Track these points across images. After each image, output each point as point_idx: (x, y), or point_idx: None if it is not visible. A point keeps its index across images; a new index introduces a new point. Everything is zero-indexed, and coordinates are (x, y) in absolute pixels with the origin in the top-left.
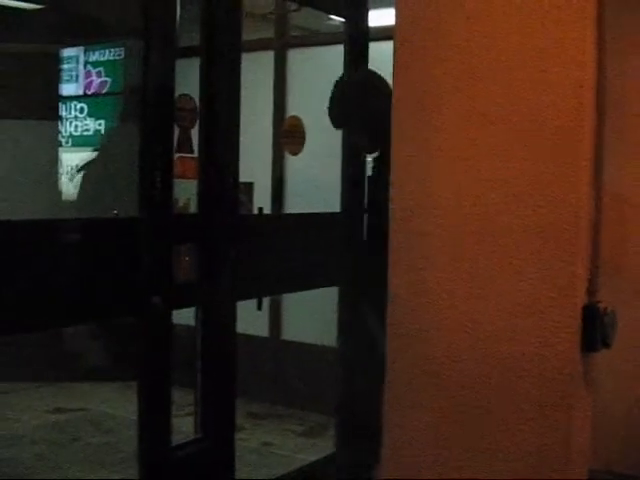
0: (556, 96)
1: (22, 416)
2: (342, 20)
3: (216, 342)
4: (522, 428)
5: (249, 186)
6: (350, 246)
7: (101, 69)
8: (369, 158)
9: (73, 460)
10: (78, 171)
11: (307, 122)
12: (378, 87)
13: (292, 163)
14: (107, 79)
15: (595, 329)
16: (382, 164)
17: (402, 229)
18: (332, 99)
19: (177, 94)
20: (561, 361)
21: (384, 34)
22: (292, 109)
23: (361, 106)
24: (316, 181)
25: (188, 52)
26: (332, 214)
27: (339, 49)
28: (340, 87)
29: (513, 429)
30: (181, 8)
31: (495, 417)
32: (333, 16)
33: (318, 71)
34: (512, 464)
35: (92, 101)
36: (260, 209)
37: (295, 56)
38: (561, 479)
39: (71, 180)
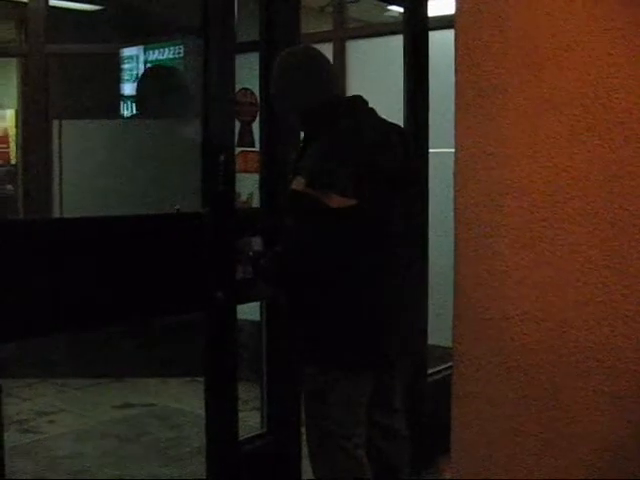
0: (624, 78)
1: (90, 412)
2: (401, 10)
3: (281, 337)
4: (595, 420)
5: None
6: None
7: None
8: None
9: (140, 455)
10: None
11: None
12: (308, 64)
13: None
14: None
15: None
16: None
17: (467, 221)
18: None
19: (237, 88)
20: (634, 351)
21: (444, 23)
22: None
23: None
24: None
25: (248, 47)
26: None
27: (399, 39)
28: (277, 68)
29: (585, 421)
30: (239, 4)
31: (567, 409)
32: (392, 6)
33: (378, 62)
34: (585, 457)
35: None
36: None
37: (354, 47)
38: (635, 473)
39: None
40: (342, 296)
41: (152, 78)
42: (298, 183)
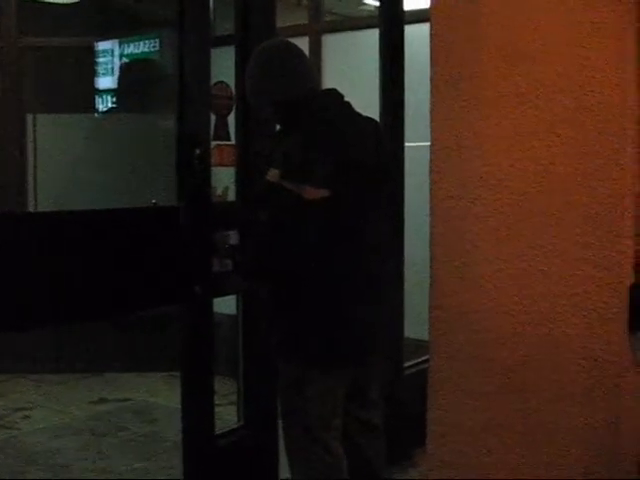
0: (597, 72)
1: (66, 407)
2: (376, 4)
3: (257, 330)
4: (569, 410)
5: None
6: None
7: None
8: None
9: (117, 450)
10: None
11: None
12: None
13: None
14: None
15: None
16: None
17: (443, 214)
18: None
19: (213, 82)
20: (608, 342)
21: (419, 16)
22: None
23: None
24: None
25: (224, 40)
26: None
27: (375, 33)
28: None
29: (560, 411)
30: None
31: (542, 399)
32: (368, 0)
33: (354, 56)
34: (560, 446)
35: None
36: None
37: (330, 41)
38: (610, 461)
39: None
40: (315, 291)
41: (134, 71)
42: (272, 175)
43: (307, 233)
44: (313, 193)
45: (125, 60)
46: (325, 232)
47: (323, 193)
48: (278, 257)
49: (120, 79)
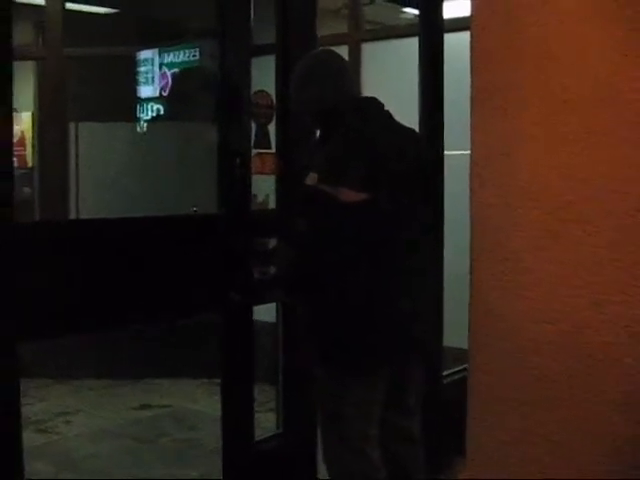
0: (633, 80)
1: (106, 412)
2: (416, 12)
3: (296, 338)
4: (612, 421)
5: None
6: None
7: (176, 70)
8: None
9: (157, 456)
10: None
11: None
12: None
13: None
14: None
15: None
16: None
17: (483, 223)
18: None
19: (253, 90)
20: None
21: (459, 25)
22: None
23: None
24: None
25: (264, 49)
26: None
27: (414, 41)
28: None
29: (603, 422)
30: (255, 6)
31: (583, 410)
32: (407, 9)
33: (393, 64)
34: (601, 458)
35: (167, 102)
36: None
37: (370, 50)
38: None
39: None
40: (351, 296)
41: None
42: (311, 179)
43: (345, 236)
44: (351, 196)
45: (165, 69)
46: (362, 235)
47: (361, 196)
48: (316, 262)
49: (169, 87)
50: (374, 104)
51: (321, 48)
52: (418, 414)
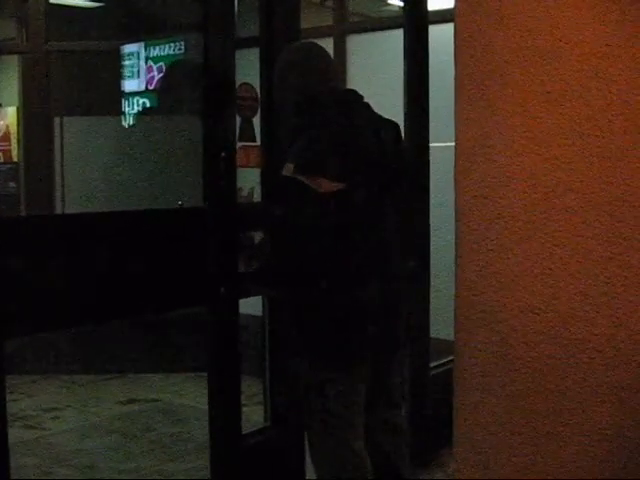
0: (622, 69)
1: (94, 407)
2: (401, 4)
3: (283, 331)
4: (597, 411)
5: None
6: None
7: (162, 64)
8: None
9: (145, 450)
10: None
11: None
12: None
13: None
14: None
15: None
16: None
17: (467, 213)
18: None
19: (238, 84)
20: (635, 343)
21: (444, 16)
22: None
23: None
24: None
25: (248, 42)
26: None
27: (399, 33)
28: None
29: (588, 412)
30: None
31: (569, 400)
32: (392, 0)
33: (378, 56)
34: (587, 447)
35: (153, 96)
36: None
37: (355, 42)
38: (637, 461)
39: None
40: (329, 287)
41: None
42: (287, 168)
43: (320, 226)
44: (327, 185)
45: (151, 63)
46: (338, 225)
47: (337, 185)
48: (295, 254)
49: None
50: (352, 96)
51: (304, 40)
52: (403, 405)
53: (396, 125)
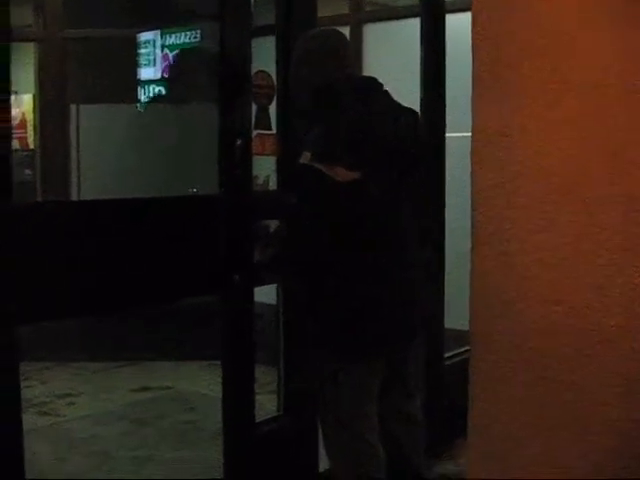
0: (635, 62)
1: (109, 395)
2: None
3: (297, 320)
4: (610, 402)
5: None
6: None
7: (178, 52)
8: None
9: (158, 438)
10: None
11: None
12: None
13: None
14: None
15: None
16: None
17: (484, 203)
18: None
19: (254, 71)
20: None
21: (461, 5)
22: None
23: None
24: None
25: (265, 30)
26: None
27: (416, 22)
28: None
29: (602, 403)
30: None
31: (583, 390)
32: None
33: (395, 45)
34: (600, 438)
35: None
36: None
37: (371, 30)
38: None
39: None
40: (344, 277)
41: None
42: (304, 157)
43: (337, 215)
44: (344, 174)
45: (167, 51)
46: (355, 214)
47: (354, 174)
48: (311, 243)
49: (171, 69)
50: (372, 82)
51: (323, 27)
52: (418, 396)
53: (415, 113)
